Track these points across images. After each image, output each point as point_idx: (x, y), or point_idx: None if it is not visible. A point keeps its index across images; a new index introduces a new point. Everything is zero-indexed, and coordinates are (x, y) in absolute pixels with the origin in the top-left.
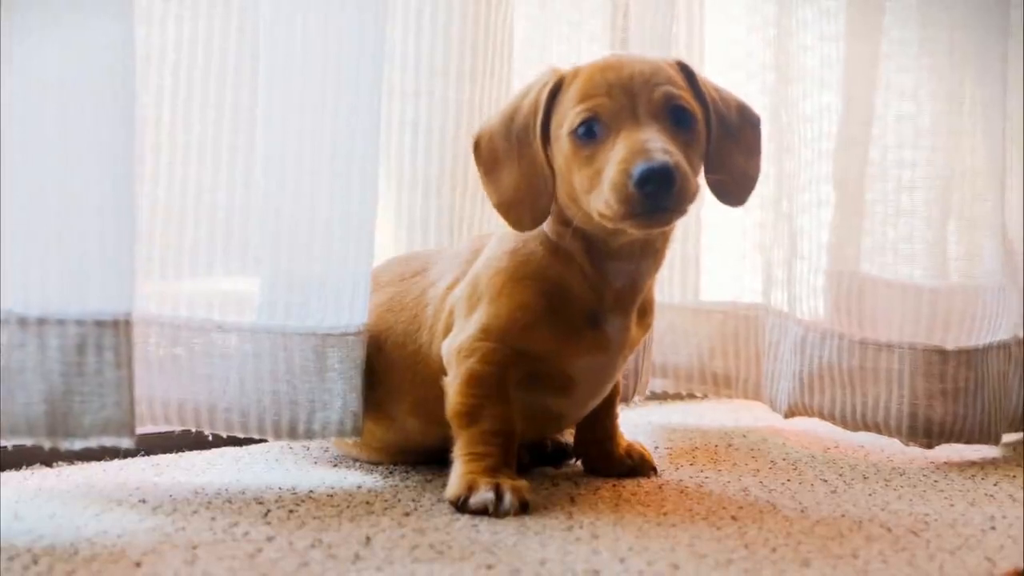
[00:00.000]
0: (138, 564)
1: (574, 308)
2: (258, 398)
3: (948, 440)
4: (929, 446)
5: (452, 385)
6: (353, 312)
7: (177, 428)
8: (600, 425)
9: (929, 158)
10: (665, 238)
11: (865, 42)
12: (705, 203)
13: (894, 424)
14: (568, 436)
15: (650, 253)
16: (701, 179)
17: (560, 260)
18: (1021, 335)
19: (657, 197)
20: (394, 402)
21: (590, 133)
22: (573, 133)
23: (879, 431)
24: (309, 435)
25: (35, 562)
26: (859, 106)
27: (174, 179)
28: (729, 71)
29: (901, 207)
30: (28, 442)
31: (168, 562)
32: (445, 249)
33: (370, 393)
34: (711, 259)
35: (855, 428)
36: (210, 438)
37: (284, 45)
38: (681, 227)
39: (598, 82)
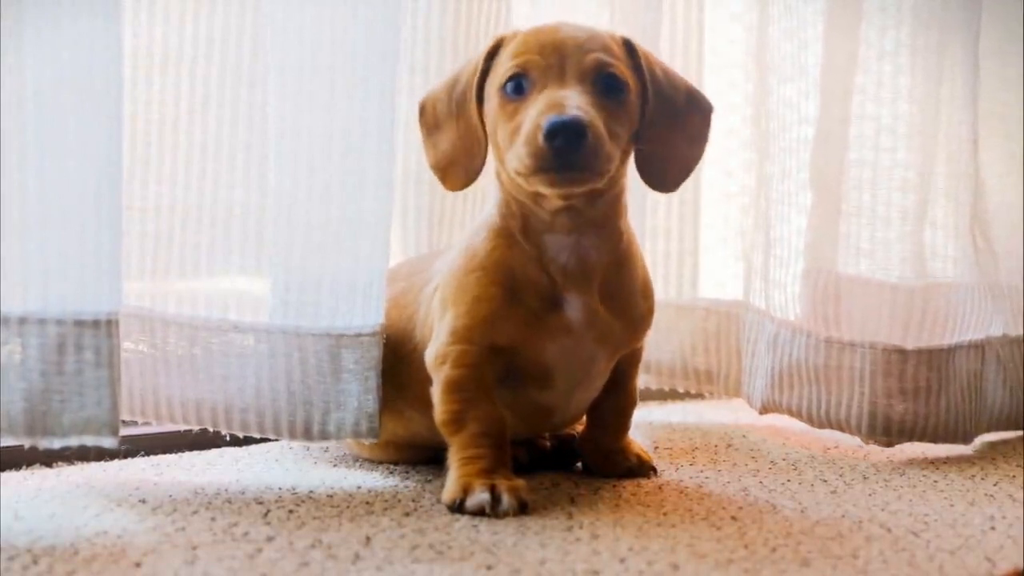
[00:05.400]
0: (138, 564)
1: (528, 292)
2: (273, 398)
3: (909, 439)
4: (889, 444)
5: (435, 394)
6: (367, 312)
7: (195, 427)
8: (610, 430)
9: (904, 158)
10: (608, 211)
11: (843, 43)
12: (703, 201)
13: (855, 422)
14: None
15: (590, 226)
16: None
17: (506, 244)
18: (1015, 334)
19: (566, 153)
20: (399, 395)
21: (518, 89)
22: (502, 88)
23: (842, 429)
24: (324, 436)
25: (35, 562)
26: (837, 107)
27: (191, 178)
28: (726, 70)
29: (877, 207)
30: (8, 440)
31: (168, 562)
32: (448, 249)
33: (382, 385)
34: (704, 257)
35: (820, 425)
36: (220, 434)
37: (294, 42)
38: (678, 223)
39: (532, 42)
